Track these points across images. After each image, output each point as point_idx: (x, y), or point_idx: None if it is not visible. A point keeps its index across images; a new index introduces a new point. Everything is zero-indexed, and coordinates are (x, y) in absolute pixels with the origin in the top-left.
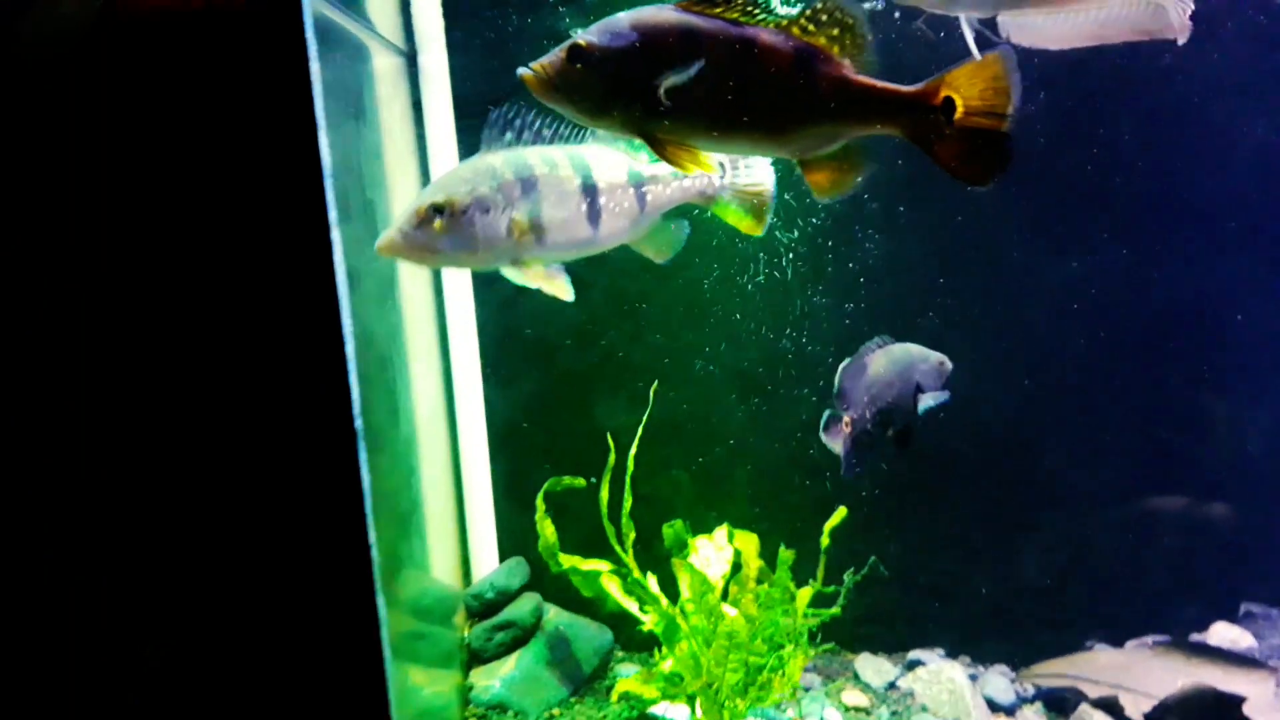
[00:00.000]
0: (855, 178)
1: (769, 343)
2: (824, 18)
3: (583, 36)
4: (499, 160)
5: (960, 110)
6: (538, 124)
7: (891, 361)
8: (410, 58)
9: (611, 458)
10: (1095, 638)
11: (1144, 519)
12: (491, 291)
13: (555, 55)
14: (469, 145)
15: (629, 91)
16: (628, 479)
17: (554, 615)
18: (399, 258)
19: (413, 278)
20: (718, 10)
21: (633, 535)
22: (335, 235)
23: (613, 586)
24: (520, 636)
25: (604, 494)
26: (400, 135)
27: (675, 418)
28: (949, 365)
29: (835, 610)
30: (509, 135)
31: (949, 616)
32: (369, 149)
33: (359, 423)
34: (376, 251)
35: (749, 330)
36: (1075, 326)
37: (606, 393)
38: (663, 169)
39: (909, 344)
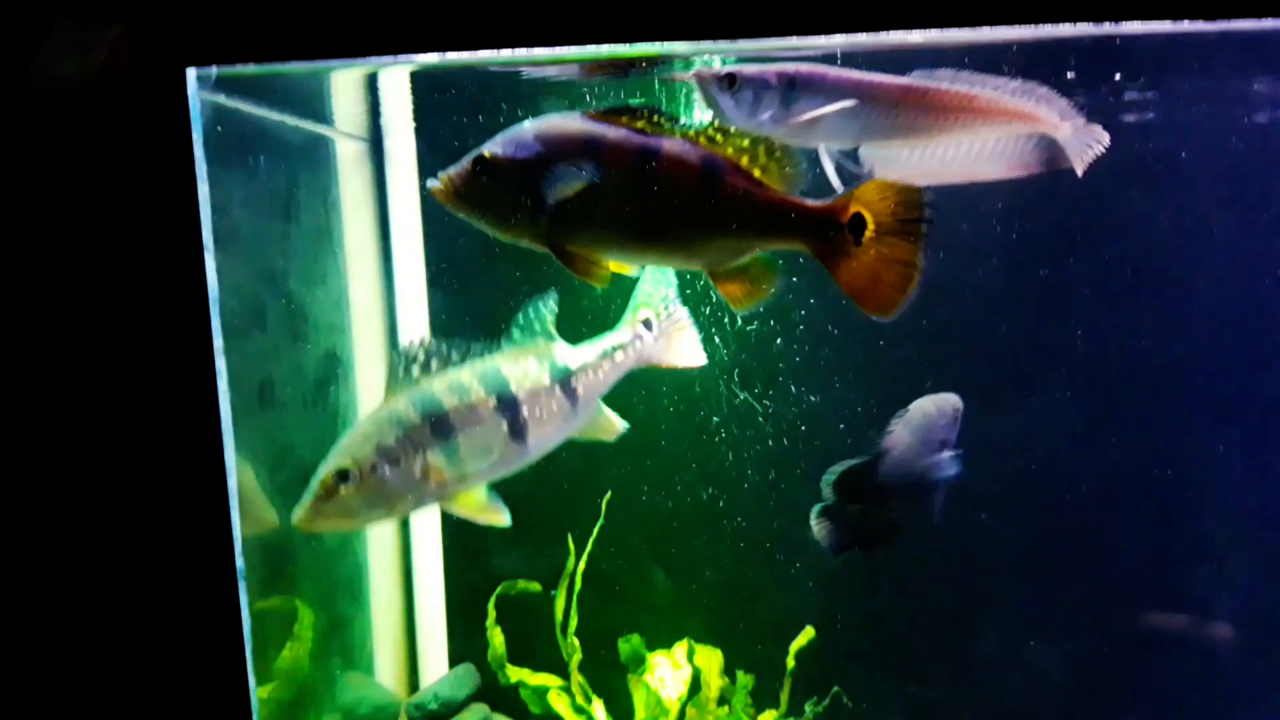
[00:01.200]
0: (768, 288)
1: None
2: (733, 129)
3: (487, 147)
4: (403, 403)
5: (870, 228)
6: (447, 351)
7: (912, 432)
8: (375, 143)
9: (570, 563)
10: None
11: (1137, 643)
12: None
13: (462, 166)
14: (433, 232)
15: (535, 202)
16: (574, 594)
17: None
18: (317, 531)
19: (365, 366)
20: (623, 120)
21: (578, 656)
22: (220, 362)
23: (561, 705)
24: None
25: (559, 605)
26: (363, 223)
27: (646, 513)
28: (960, 405)
29: None
30: (415, 372)
31: None
32: (308, 245)
33: (240, 562)
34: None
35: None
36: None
37: (575, 479)
38: (590, 354)
39: (923, 400)
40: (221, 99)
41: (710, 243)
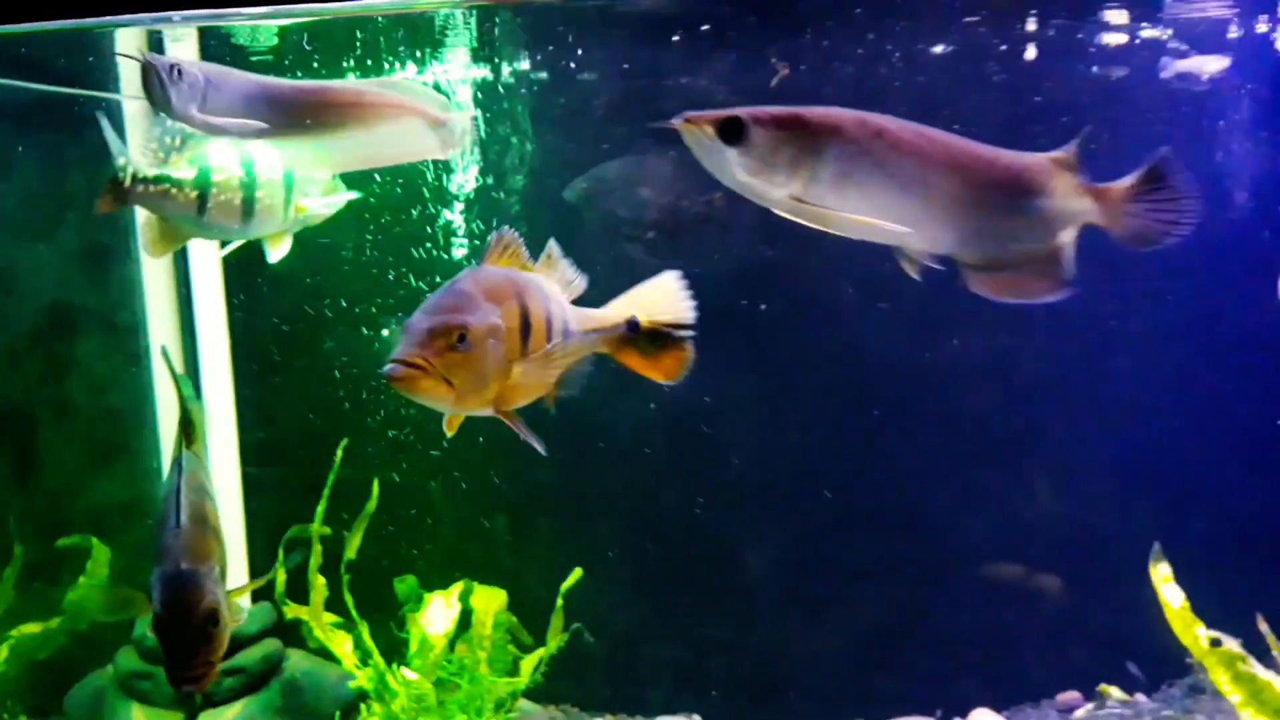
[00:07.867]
0: None
1: None
2: None
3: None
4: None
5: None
6: None
7: None
8: None
9: (370, 504)
10: (862, 714)
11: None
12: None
13: None
14: None
15: None
16: (315, 531)
17: (296, 661)
18: None
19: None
20: None
21: (323, 595)
22: None
23: (333, 640)
24: (249, 683)
25: (354, 542)
26: None
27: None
28: None
29: (524, 682)
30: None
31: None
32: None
33: None
34: None
35: None
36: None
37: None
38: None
39: None
40: None
41: None
